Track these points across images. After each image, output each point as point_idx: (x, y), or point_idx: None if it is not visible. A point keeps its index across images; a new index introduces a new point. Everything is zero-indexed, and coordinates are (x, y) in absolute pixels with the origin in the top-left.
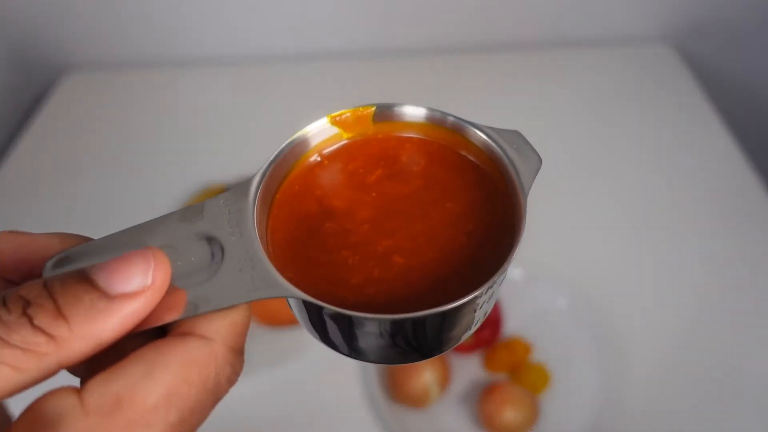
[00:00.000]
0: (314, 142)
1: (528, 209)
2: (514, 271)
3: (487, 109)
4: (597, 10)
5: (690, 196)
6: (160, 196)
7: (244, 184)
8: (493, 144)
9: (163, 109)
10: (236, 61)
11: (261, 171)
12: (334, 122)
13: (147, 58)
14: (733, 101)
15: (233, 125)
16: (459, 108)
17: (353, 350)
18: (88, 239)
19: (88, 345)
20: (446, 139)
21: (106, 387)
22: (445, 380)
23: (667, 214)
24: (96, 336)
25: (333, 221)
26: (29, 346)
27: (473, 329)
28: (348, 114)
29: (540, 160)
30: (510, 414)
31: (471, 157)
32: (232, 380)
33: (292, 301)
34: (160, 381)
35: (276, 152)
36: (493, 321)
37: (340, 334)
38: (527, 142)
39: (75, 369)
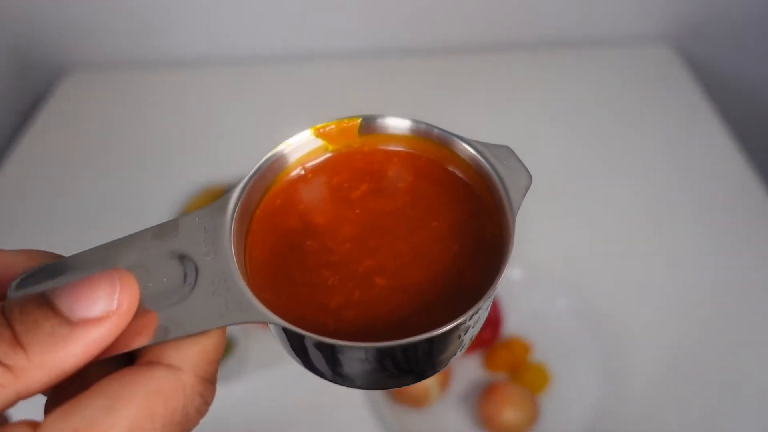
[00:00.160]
0: (298, 155)
1: (516, 228)
2: (514, 271)
3: (487, 109)
4: (597, 10)
5: (690, 196)
6: (160, 196)
7: (221, 200)
8: (481, 159)
9: (162, 109)
10: (236, 61)
11: (240, 186)
12: (319, 134)
13: (147, 58)
14: (733, 101)
15: (233, 125)
16: (459, 108)
17: (337, 376)
18: (56, 256)
19: (49, 375)
20: (433, 152)
21: (64, 423)
22: (445, 380)
23: (667, 214)
24: (57, 365)
25: (314, 239)
26: None
27: (461, 352)
28: (332, 126)
29: (530, 177)
30: (510, 414)
31: (458, 173)
32: (201, 411)
33: (271, 325)
34: (123, 415)
35: (256, 166)
36: (493, 321)
37: (323, 361)
38: (517, 158)
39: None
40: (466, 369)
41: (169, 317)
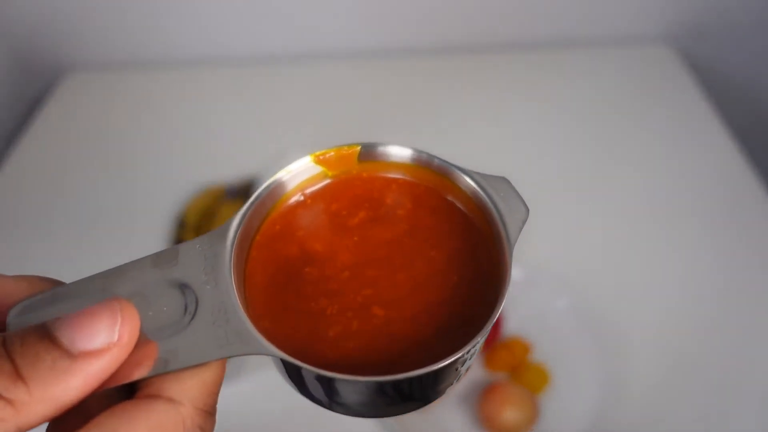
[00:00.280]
0: (297, 181)
1: (513, 261)
2: (514, 271)
3: (486, 109)
4: (597, 10)
5: (690, 197)
6: (160, 196)
7: (222, 228)
8: (479, 191)
9: (163, 109)
10: (236, 61)
11: (240, 213)
12: (318, 161)
13: (147, 58)
14: (733, 101)
15: (233, 125)
16: (459, 108)
17: (335, 404)
18: (57, 283)
19: (49, 408)
20: (432, 181)
21: None
22: None
23: (667, 214)
24: (57, 398)
25: (313, 266)
26: None
27: (457, 382)
28: (332, 153)
29: (527, 211)
30: (510, 414)
31: (457, 203)
32: None
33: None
34: None
35: (256, 193)
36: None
37: (321, 391)
38: (514, 191)
39: None
40: None
41: (168, 348)
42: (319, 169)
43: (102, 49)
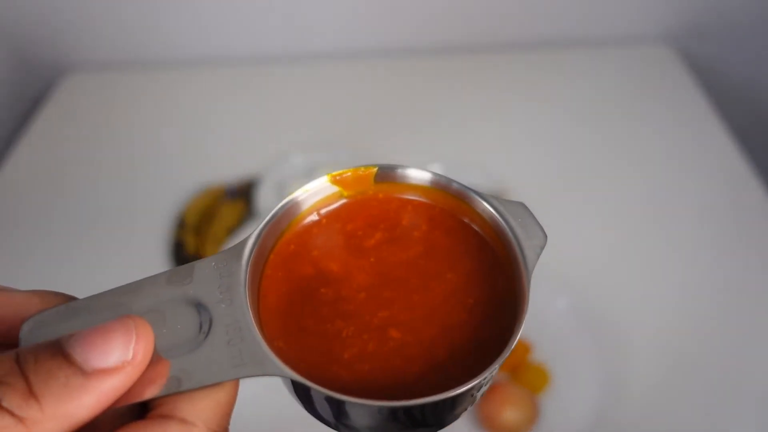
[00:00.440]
0: (312, 201)
1: (531, 288)
2: None
3: (487, 109)
4: (597, 10)
5: (690, 196)
6: (160, 196)
7: (238, 246)
8: (497, 216)
9: (163, 109)
10: (236, 61)
11: (256, 232)
12: (334, 181)
13: (147, 58)
14: (733, 101)
15: (233, 125)
16: (459, 108)
17: (343, 426)
18: (69, 298)
19: (61, 426)
20: (449, 205)
21: None
22: None
23: (667, 214)
24: (69, 416)
25: (328, 287)
26: None
27: (472, 406)
28: (349, 174)
29: (545, 237)
30: (510, 414)
31: (474, 226)
32: None
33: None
34: None
35: (272, 212)
36: None
37: (331, 413)
38: (532, 216)
39: None
40: None
41: (182, 367)
42: (335, 189)
43: (102, 49)
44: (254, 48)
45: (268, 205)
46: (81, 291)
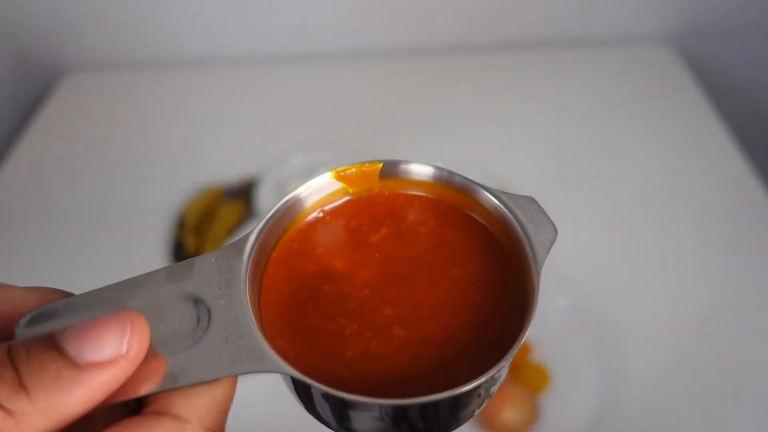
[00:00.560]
0: (316, 198)
1: (541, 283)
2: None
3: (487, 109)
4: (597, 10)
5: (690, 196)
6: (160, 196)
7: (239, 242)
8: (505, 210)
9: (163, 109)
10: (236, 61)
11: (257, 228)
12: (339, 177)
13: (147, 58)
14: (733, 101)
15: (233, 125)
16: (459, 108)
17: (344, 430)
18: (68, 294)
19: (51, 420)
20: (455, 199)
21: None
22: None
23: (667, 213)
24: (60, 410)
25: (332, 284)
26: None
27: (480, 409)
28: (353, 169)
29: (555, 231)
30: (510, 414)
31: (483, 222)
32: None
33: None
34: None
35: (274, 208)
36: None
37: (330, 413)
38: (542, 211)
39: None
40: None
41: (178, 363)
42: (339, 185)
43: (102, 49)
44: (254, 48)
45: (268, 205)
46: (81, 290)
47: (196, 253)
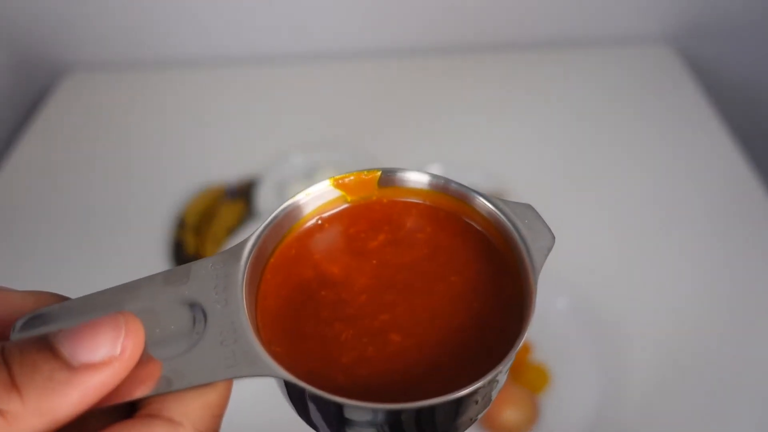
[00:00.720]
0: (315, 205)
1: (538, 290)
2: None
3: (486, 109)
4: (597, 10)
5: (690, 196)
6: (160, 196)
7: (236, 247)
8: (501, 216)
9: (163, 109)
10: (236, 61)
11: (255, 234)
12: (337, 185)
13: (147, 58)
14: (733, 102)
15: (233, 125)
16: (459, 108)
17: None
18: (65, 299)
19: (44, 421)
20: (453, 207)
21: None
22: None
23: (667, 213)
24: (52, 411)
25: (329, 289)
26: None
27: (479, 416)
28: (352, 177)
29: (553, 238)
30: (510, 414)
31: (478, 228)
32: None
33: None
34: None
35: (273, 214)
36: None
37: (324, 418)
38: (539, 217)
39: None
40: None
41: (173, 366)
42: (338, 193)
43: (102, 49)
44: (254, 48)
45: (268, 206)
46: (80, 290)
47: (196, 253)
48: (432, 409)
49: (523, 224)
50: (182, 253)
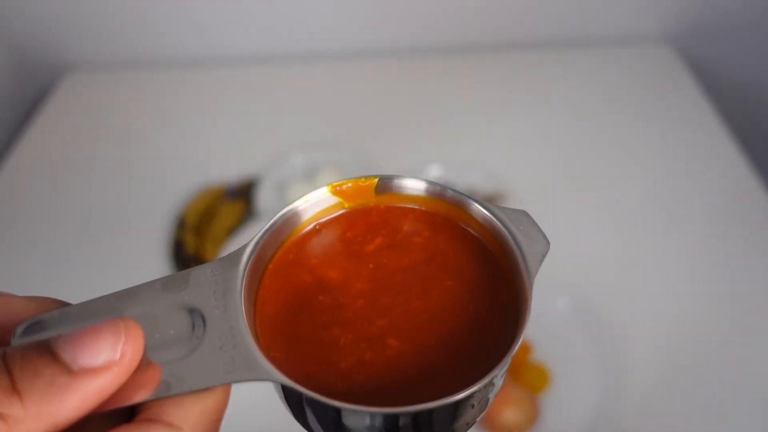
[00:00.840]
0: (313, 212)
1: (534, 296)
2: None
3: (486, 109)
4: (597, 10)
5: (689, 196)
6: (160, 196)
7: (235, 254)
8: (497, 223)
9: (163, 109)
10: (236, 61)
11: (254, 240)
12: (335, 192)
13: (147, 58)
14: (733, 102)
15: (233, 125)
16: (459, 108)
17: None
18: (65, 304)
19: (44, 426)
20: (450, 213)
21: None
22: None
23: (667, 213)
24: (53, 415)
25: (326, 294)
26: None
27: (476, 419)
28: (349, 184)
29: (548, 244)
30: (510, 414)
31: (476, 235)
32: None
33: (274, 384)
34: None
35: (271, 221)
36: None
37: (321, 423)
38: (534, 223)
39: None
40: None
41: (173, 371)
42: (335, 199)
43: (102, 49)
44: (254, 48)
45: (268, 206)
46: (81, 290)
47: (196, 253)
48: (429, 412)
49: (519, 230)
50: (182, 253)
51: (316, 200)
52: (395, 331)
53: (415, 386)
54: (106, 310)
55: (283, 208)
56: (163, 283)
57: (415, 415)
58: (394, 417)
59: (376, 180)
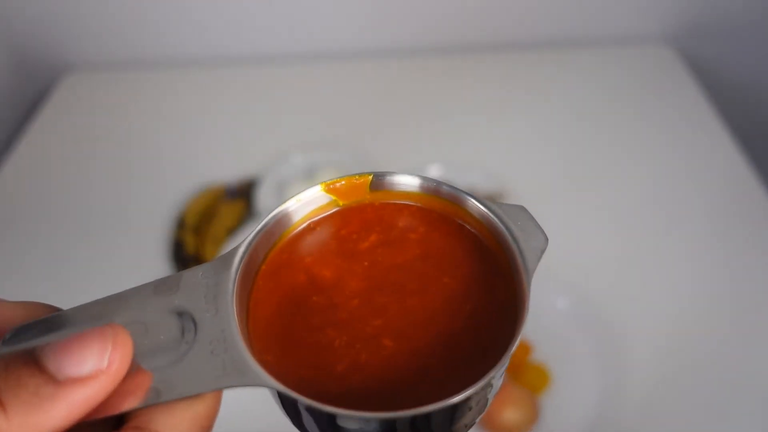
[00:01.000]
0: (306, 211)
1: (532, 293)
2: None
3: (486, 109)
4: (597, 10)
5: (690, 196)
6: (160, 196)
7: (227, 255)
8: (494, 218)
9: (163, 109)
10: (236, 61)
11: (246, 241)
12: (328, 190)
13: (147, 58)
14: (733, 102)
15: (233, 125)
16: (459, 108)
17: None
18: (55, 309)
19: None
20: (447, 210)
21: None
22: None
23: (667, 213)
24: (38, 427)
25: (320, 294)
26: None
27: (475, 420)
28: (343, 182)
29: (546, 240)
30: (510, 414)
31: (473, 231)
32: None
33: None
34: None
35: (263, 221)
36: None
37: (317, 428)
38: (532, 219)
39: None
40: None
41: (163, 377)
42: (329, 198)
43: (102, 49)
44: (254, 48)
45: (268, 206)
46: (80, 290)
47: (196, 253)
48: (427, 416)
49: (516, 226)
50: (182, 253)
51: (310, 199)
52: (391, 331)
53: (411, 387)
54: (96, 316)
55: (276, 209)
56: (155, 287)
57: (413, 419)
58: (392, 421)
59: (371, 177)
